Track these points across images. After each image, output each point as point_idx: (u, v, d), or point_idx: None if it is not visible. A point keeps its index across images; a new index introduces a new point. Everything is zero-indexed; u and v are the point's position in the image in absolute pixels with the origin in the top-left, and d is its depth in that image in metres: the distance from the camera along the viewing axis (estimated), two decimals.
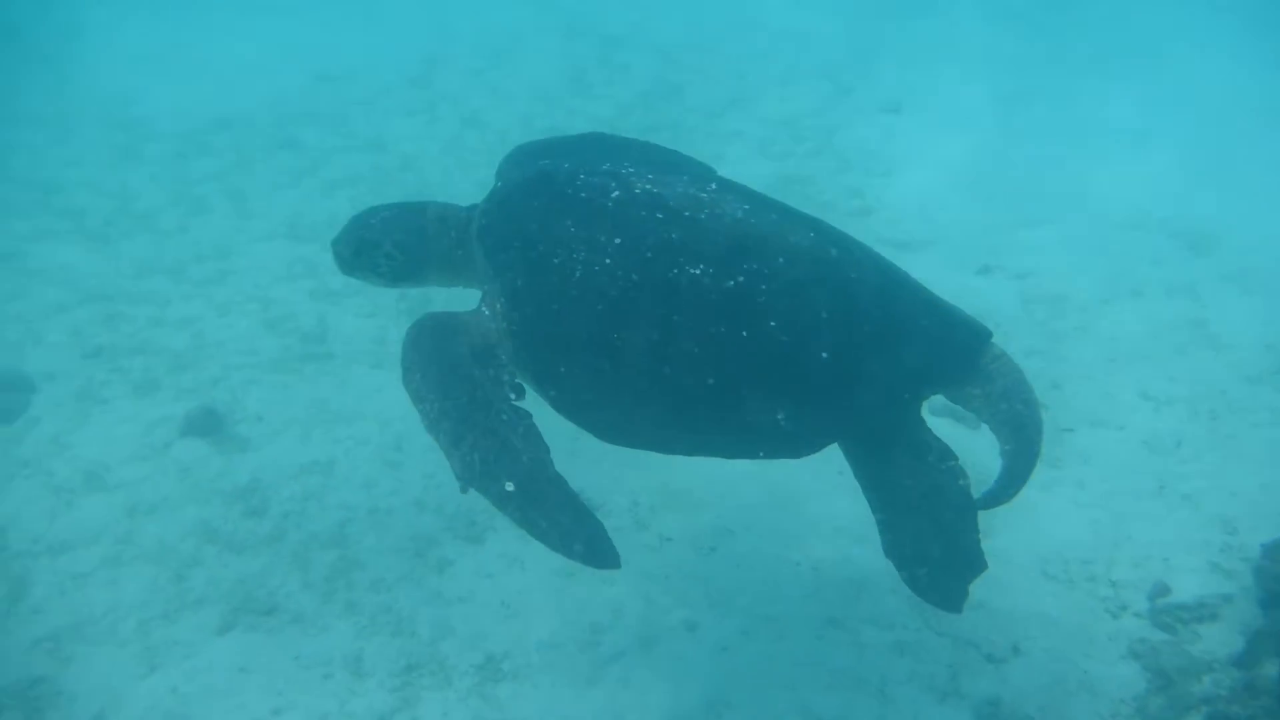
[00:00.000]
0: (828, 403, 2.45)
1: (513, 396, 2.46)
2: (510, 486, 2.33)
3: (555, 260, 2.47)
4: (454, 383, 2.46)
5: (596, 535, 2.35)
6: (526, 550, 3.77)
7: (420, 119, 8.19)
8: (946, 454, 2.51)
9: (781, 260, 2.44)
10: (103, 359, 5.08)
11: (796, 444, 2.48)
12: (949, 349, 2.56)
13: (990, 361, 2.60)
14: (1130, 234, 6.19)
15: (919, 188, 6.86)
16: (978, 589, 3.04)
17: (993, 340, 2.62)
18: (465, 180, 6.71)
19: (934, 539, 2.49)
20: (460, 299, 2.88)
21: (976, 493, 2.55)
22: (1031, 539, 3.77)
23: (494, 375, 2.48)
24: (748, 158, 7.39)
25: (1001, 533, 3.67)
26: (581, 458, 4.29)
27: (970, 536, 2.49)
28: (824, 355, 2.41)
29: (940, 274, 5.78)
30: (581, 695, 3.29)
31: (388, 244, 2.84)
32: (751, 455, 2.48)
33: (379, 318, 5.44)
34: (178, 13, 10.27)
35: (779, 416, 2.41)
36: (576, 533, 2.34)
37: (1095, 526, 3.85)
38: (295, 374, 5.04)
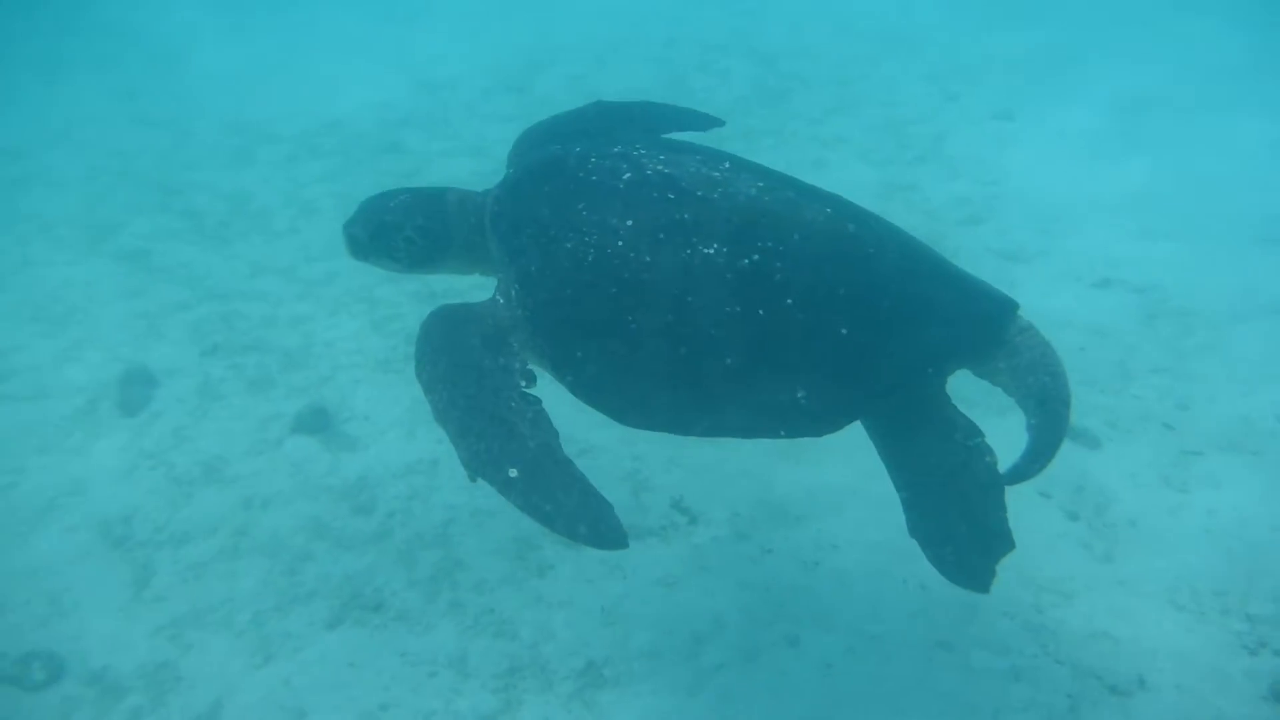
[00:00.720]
0: (848, 380, 2.41)
1: (523, 384, 2.47)
2: (514, 473, 2.33)
3: (568, 245, 2.48)
4: (462, 373, 2.48)
5: (602, 516, 2.32)
6: (626, 557, 3.78)
7: (520, 124, 8.23)
8: (973, 431, 2.46)
9: (797, 237, 2.42)
10: (220, 356, 5.30)
11: (818, 422, 2.45)
12: (972, 321, 2.50)
13: (1016, 334, 2.53)
14: (1266, 248, 5.88)
15: (1031, 197, 6.65)
16: (1101, 619, 2.94)
17: (1019, 313, 2.54)
18: None
19: (960, 517, 2.45)
20: (476, 290, 2.91)
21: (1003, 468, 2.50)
22: (1159, 566, 3.60)
23: (504, 364, 2.50)
24: (850, 163, 7.30)
25: (1127, 559, 3.52)
26: (682, 467, 4.33)
27: (997, 514, 2.44)
28: (843, 331, 2.38)
29: (1054, 286, 5.65)
30: (683, 706, 3.28)
31: (409, 228, 2.85)
32: (772, 434, 2.46)
33: None
34: (290, 20, 10.70)
35: (799, 394, 2.39)
36: (581, 514, 2.31)
37: (1229, 556, 3.65)
38: (400, 374, 5.18)
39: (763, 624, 3.55)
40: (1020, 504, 2.42)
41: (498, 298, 2.64)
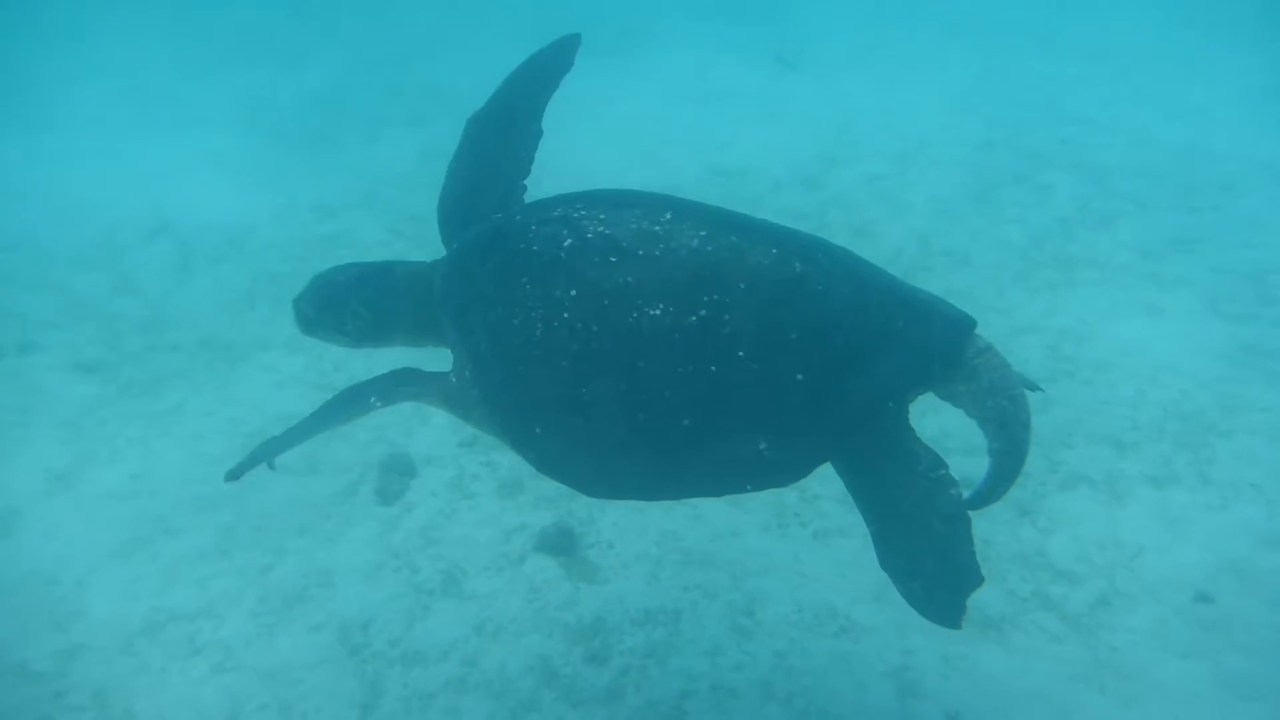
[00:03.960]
0: (809, 425, 2.47)
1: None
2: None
3: (515, 321, 2.53)
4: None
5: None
6: None
7: (809, 224, 8.00)
8: (936, 463, 2.52)
9: (743, 285, 2.46)
10: (476, 450, 5.36)
11: (783, 471, 2.53)
12: (928, 347, 2.53)
13: (975, 355, 2.57)
14: None
15: None
16: None
17: (976, 332, 2.58)
18: None
19: (927, 551, 2.51)
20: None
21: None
22: None
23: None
24: (1194, 313, 6.38)
25: None
26: (963, 672, 3.71)
27: (964, 548, 2.50)
28: (799, 377, 2.43)
29: None
30: None
31: (355, 302, 2.91)
32: (739, 490, 2.53)
33: None
34: (589, 87, 11.14)
35: (761, 446, 2.46)
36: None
37: None
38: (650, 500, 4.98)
39: None
40: None
41: (451, 376, 2.76)
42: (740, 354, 2.42)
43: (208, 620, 4.20)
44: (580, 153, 9.33)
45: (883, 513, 2.54)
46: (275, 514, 4.83)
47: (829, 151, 9.38)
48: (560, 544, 4.63)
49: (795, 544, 4.65)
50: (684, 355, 2.42)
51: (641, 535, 4.73)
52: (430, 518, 4.85)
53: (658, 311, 2.43)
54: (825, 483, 4.93)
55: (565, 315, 2.48)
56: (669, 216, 2.57)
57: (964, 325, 2.56)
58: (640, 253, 2.49)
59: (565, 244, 2.55)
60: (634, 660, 4.01)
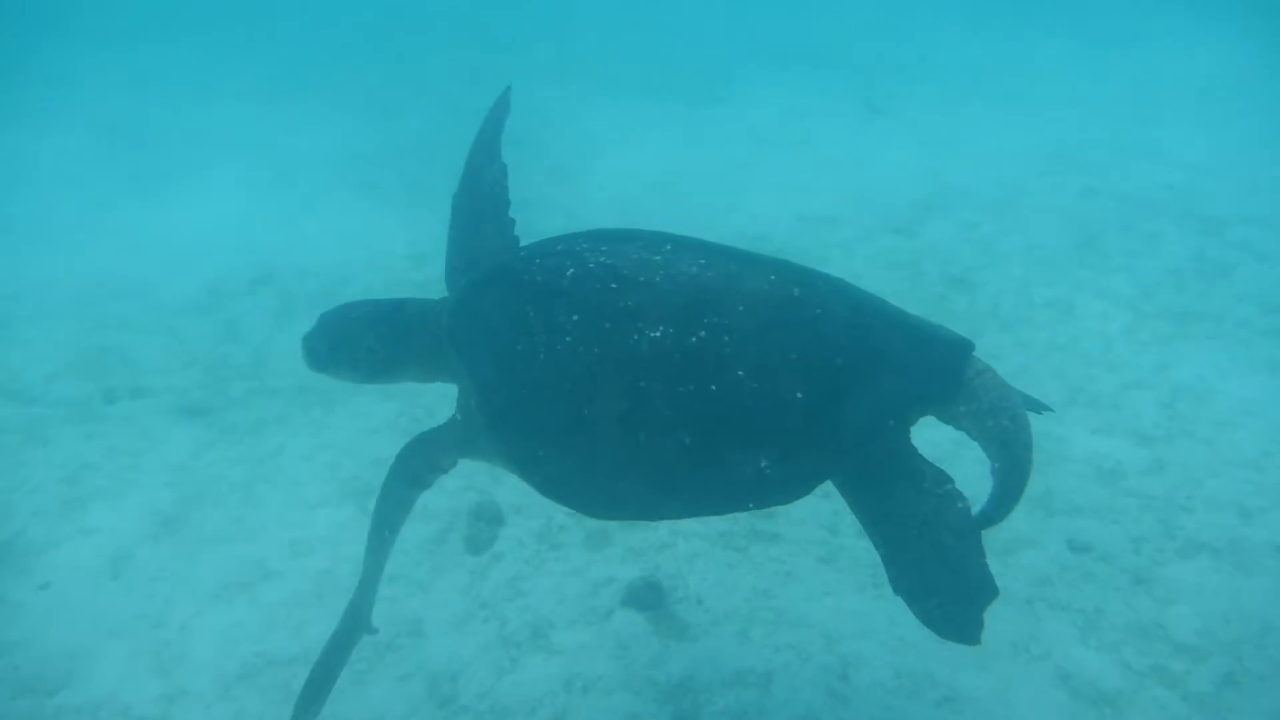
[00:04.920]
0: (809, 443, 2.50)
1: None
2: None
3: (519, 347, 2.62)
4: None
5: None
6: None
7: (902, 273, 7.95)
8: (942, 479, 2.54)
9: (741, 308, 2.53)
10: None
11: (784, 490, 2.54)
12: (928, 368, 2.57)
13: (974, 376, 2.59)
14: None
15: None
16: None
17: (975, 354, 2.61)
18: None
19: (941, 568, 2.49)
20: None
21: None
22: None
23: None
24: None
25: None
26: None
27: (976, 561, 2.48)
28: (798, 396, 2.47)
29: None
30: None
31: (370, 338, 3.03)
32: (741, 508, 2.56)
33: (836, 498, 5.15)
34: (673, 136, 11.24)
35: (762, 464, 2.49)
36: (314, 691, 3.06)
37: None
38: (741, 554, 4.91)
39: None
40: None
41: (457, 415, 2.90)
42: (740, 373, 2.47)
43: (303, 666, 4.23)
44: (665, 200, 9.43)
45: (892, 533, 2.53)
46: None
47: (922, 198, 9.26)
48: (648, 599, 4.59)
49: (892, 606, 4.43)
50: (684, 375, 2.48)
51: (732, 592, 4.66)
52: (518, 568, 4.87)
53: (658, 334, 2.50)
54: None
55: (567, 339, 2.56)
56: (669, 248, 2.69)
57: (962, 346, 2.61)
58: (641, 279, 2.58)
59: (568, 273, 2.65)
60: None
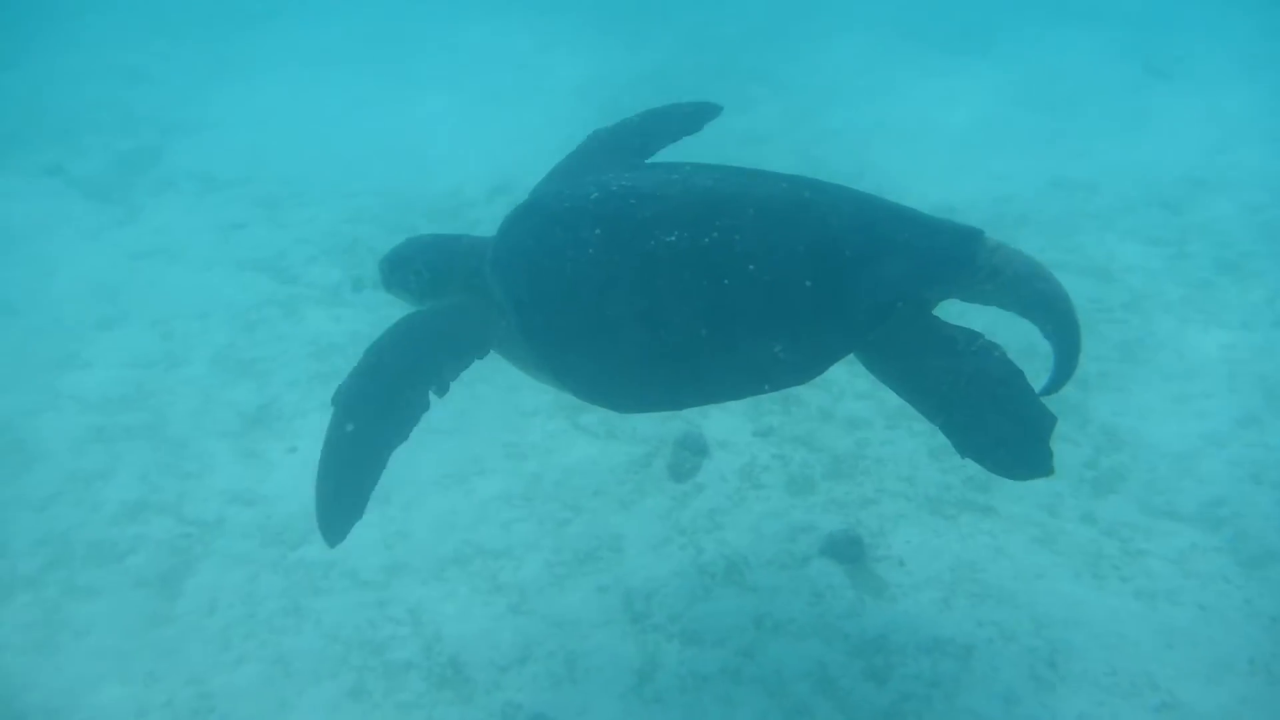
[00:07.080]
0: (819, 327, 2.67)
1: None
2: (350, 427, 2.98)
3: (549, 264, 2.84)
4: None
5: (341, 515, 2.89)
6: None
7: (1165, 250, 7.26)
8: (973, 336, 2.66)
9: (752, 211, 2.73)
10: (770, 441, 5.35)
11: (798, 371, 2.71)
12: (935, 251, 2.72)
13: (989, 254, 2.74)
14: None
15: None
16: None
17: (986, 235, 2.76)
18: None
19: (998, 416, 2.58)
20: None
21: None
22: None
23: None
24: None
25: None
26: None
27: (1028, 399, 2.61)
28: (807, 284, 2.66)
29: None
30: None
31: (419, 262, 3.31)
32: (758, 390, 2.74)
33: (1059, 480, 4.86)
34: (916, 89, 10.72)
35: (776, 349, 2.66)
36: (333, 504, 2.90)
37: None
38: (950, 521, 4.74)
39: None
40: None
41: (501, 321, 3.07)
42: (751, 268, 2.66)
43: (509, 560, 4.52)
44: (905, 150, 9.04)
45: (941, 401, 2.64)
46: (576, 470, 5.10)
47: (1197, 173, 8.39)
48: (848, 552, 4.52)
49: (1113, 599, 4.23)
50: (699, 273, 2.68)
51: (935, 558, 4.52)
52: (719, 501, 4.91)
53: (673, 238, 2.70)
54: (1151, 538, 4.50)
55: (590, 251, 2.77)
56: (688, 168, 2.95)
57: (971, 231, 2.77)
58: (659, 194, 2.81)
59: (592, 196, 2.88)
60: (918, 688, 3.84)
